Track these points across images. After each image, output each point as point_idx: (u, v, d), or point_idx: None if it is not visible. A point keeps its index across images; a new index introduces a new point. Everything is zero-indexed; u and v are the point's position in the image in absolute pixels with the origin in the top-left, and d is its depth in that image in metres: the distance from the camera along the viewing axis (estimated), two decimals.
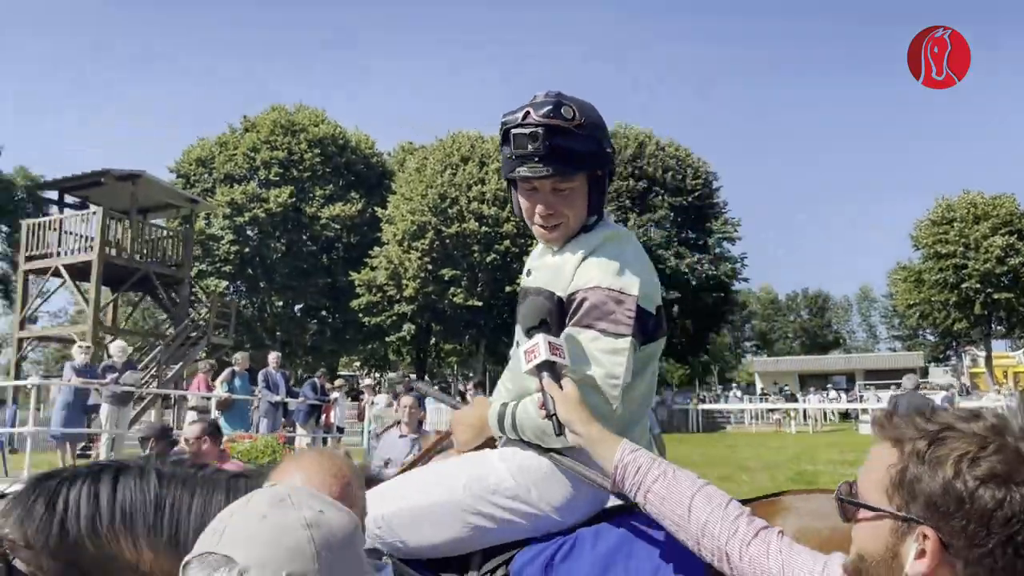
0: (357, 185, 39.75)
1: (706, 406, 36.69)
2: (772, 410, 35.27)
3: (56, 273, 20.84)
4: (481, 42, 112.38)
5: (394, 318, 36.04)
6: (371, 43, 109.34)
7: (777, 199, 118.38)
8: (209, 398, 12.67)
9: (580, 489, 1.82)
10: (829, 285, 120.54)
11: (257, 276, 38.05)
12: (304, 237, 38.31)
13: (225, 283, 37.65)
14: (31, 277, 21.86)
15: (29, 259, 21.13)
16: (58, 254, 20.60)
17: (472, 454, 1.99)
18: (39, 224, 21.74)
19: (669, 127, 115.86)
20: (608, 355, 1.77)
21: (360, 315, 36.54)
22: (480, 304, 34.10)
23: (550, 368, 1.69)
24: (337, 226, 38.05)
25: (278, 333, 38.89)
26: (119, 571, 2.02)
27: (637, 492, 1.55)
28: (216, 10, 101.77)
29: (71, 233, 20.82)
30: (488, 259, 33.75)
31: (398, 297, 35.44)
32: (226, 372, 12.80)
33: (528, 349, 1.72)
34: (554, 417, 1.65)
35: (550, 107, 1.81)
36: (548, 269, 1.93)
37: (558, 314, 1.85)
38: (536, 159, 1.81)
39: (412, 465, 2.20)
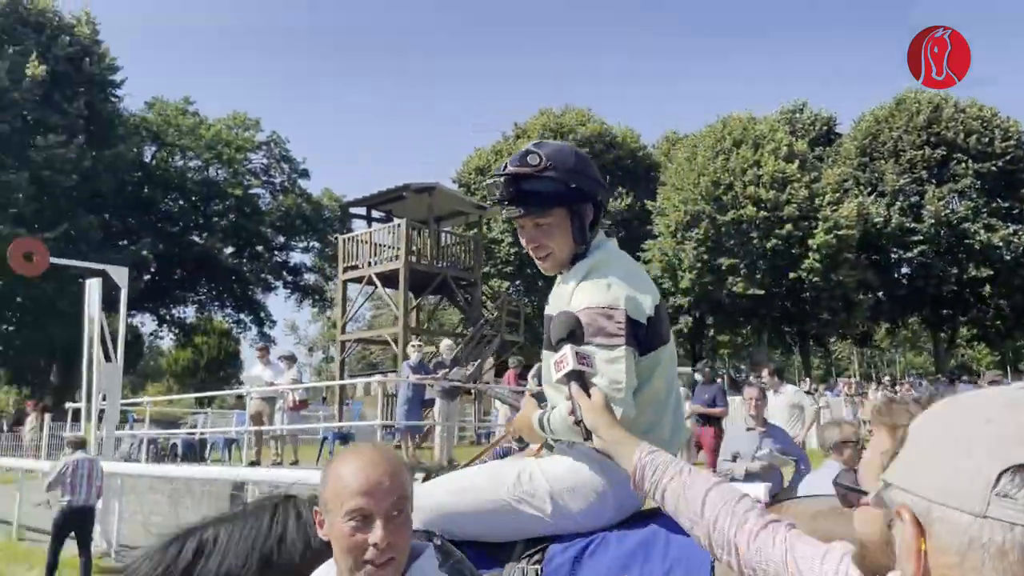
0: (625, 180, 39.86)
1: None
2: None
3: (369, 281, 23.00)
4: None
5: (670, 312, 35.55)
6: (617, 40, 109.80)
7: None
8: (521, 392, 13.24)
9: (605, 500, 2.08)
10: None
11: (534, 276, 39.46)
12: None
13: (507, 284, 39.49)
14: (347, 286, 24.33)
15: (346, 270, 23.56)
16: (369, 264, 22.72)
17: (521, 461, 2.30)
18: (352, 238, 24.15)
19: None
20: (608, 364, 1.98)
21: None
22: (762, 292, 32.59)
23: (578, 377, 1.81)
24: (608, 222, 38.42)
25: None
26: None
27: (655, 491, 1.62)
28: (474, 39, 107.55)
29: (380, 244, 22.91)
30: (768, 245, 32.19)
31: (673, 290, 34.93)
32: (536, 367, 13.34)
33: (557, 360, 1.84)
34: (582, 423, 1.77)
35: (519, 157, 2.13)
36: (556, 298, 2.24)
37: None
38: (507, 202, 2.14)
39: (473, 460, 2.61)
